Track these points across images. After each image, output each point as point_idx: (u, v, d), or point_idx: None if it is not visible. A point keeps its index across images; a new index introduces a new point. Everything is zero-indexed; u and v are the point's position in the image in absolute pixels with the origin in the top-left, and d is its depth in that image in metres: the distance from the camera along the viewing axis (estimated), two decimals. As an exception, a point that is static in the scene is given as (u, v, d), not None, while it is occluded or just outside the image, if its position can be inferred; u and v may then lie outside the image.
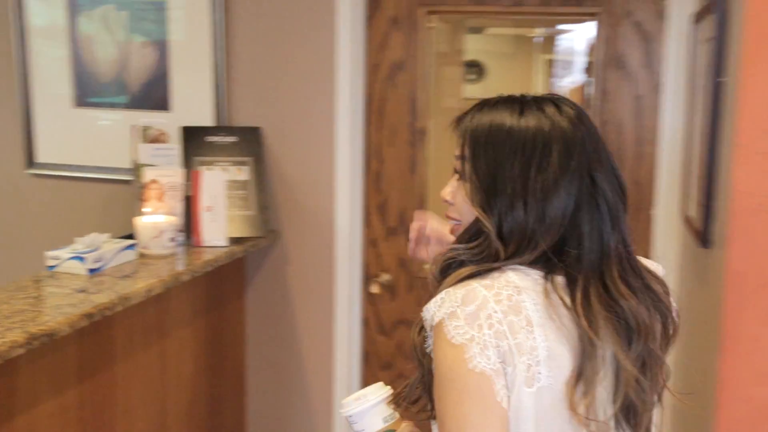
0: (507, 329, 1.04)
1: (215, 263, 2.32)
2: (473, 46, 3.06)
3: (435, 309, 1.09)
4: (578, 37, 2.68)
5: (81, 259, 2.03)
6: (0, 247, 3.04)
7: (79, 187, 2.89)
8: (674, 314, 1.18)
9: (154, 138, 2.53)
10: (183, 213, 2.44)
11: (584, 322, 1.06)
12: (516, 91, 1.21)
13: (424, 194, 2.65)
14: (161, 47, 2.73)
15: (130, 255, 2.22)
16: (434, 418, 1.14)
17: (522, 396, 1.05)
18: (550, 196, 1.10)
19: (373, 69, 2.64)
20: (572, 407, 1.06)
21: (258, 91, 2.66)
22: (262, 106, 2.66)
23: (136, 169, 2.48)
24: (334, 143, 2.59)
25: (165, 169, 2.42)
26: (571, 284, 1.09)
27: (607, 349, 1.09)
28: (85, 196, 2.89)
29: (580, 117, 1.15)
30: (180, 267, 2.20)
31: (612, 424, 1.11)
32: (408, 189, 2.64)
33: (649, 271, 1.18)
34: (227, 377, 2.65)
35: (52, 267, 2.06)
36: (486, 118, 1.16)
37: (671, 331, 1.17)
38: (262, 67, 2.65)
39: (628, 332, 1.10)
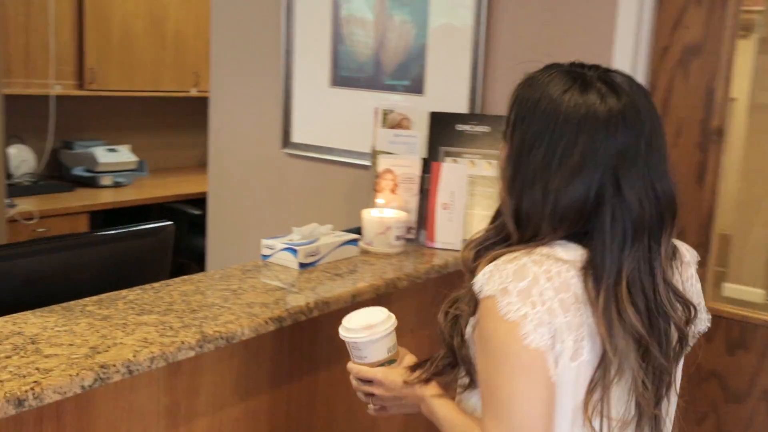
0: (558, 307, 1.04)
1: (444, 269, 2.03)
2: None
3: (483, 282, 1.08)
4: None
5: (293, 251, 1.86)
6: (251, 225, 3.04)
7: (328, 169, 2.77)
8: (693, 330, 1.18)
9: (396, 123, 2.30)
10: (417, 209, 2.18)
11: (604, 332, 1.05)
12: None
13: (713, 210, 2.13)
14: (420, 26, 2.49)
15: (352, 251, 2.01)
16: (468, 388, 1.23)
17: (565, 371, 1.05)
18: (565, 186, 1.07)
19: (661, 53, 2.16)
20: (586, 411, 1.07)
21: (519, 78, 2.31)
22: (522, 93, 2.31)
23: (374, 155, 2.26)
24: (603, 140, 2.17)
25: (401, 159, 2.17)
26: (596, 281, 1.06)
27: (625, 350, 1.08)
28: (332, 179, 2.76)
29: (623, 108, 1.08)
30: (404, 270, 1.94)
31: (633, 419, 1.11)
32: (692, 201, 2.13)
33: (675, 290, 1.13)
34: (455, 396, 2.36)
35: (266, 257, 1.92)
36: (537, 88, 1.14)
37: (682, 347, 1.16)
38: (525, 51, 2.30)
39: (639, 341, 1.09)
